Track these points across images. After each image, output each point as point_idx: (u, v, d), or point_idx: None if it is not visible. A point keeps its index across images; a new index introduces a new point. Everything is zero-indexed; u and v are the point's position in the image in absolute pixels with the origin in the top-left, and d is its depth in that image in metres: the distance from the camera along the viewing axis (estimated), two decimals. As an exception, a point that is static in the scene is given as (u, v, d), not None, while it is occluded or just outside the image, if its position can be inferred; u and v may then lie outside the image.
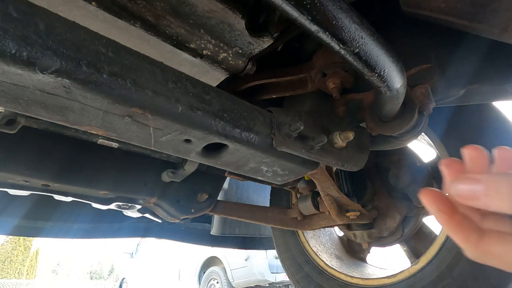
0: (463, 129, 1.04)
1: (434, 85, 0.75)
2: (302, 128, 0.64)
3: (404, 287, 1.11)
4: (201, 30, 0.53)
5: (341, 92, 0.82)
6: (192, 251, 6.54)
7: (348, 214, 1.18)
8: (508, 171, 0.34)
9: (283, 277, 5.33)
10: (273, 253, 5.33)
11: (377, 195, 1.34)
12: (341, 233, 1.61)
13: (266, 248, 2.18)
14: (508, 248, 0.31)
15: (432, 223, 1.33)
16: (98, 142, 0.94)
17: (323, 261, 1.40)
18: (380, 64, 0.56)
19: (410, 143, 0.88)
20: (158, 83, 0.50)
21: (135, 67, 0.48)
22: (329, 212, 1.18)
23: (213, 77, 0.65)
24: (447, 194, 0.35)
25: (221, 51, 0.56)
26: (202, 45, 0.54)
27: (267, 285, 5.63)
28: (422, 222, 1.32)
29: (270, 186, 1.69)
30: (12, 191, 0.95)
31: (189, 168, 1.03)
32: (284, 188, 1.47)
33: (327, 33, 0.47)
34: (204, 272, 6.39)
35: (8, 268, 18.81)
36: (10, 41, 0.36)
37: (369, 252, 1.51)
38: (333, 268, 1.36)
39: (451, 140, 1.05)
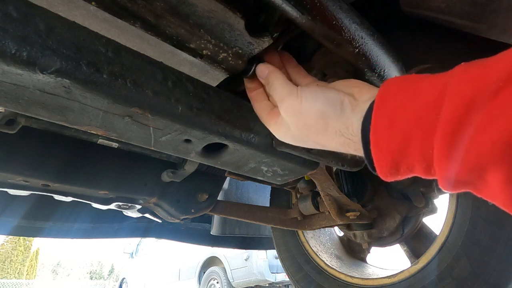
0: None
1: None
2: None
3: (404, 287, 1.11)
4: (201, 30, 0.53)
5: (341, 92, 0.82)
6: (192, 251, 6.54)
7: (348, 214, 1.17)
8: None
9: (283, 277, 5.33)
10: (273, 253, 5.34)
11: (377, 195, 1.34)
12: (341, 233, 1.61)
13: (266, 248, 2.18)
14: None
15: (432, 223, 1.33)
16: (98, 142, 0.94)
17: (323, 261, 1.40)
18: (380, 64, 0.56)
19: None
20: (158, 83, 0.50)
21: (135, 67, 0.48)
22: (329, 212, 1.18)
23: (213, 77, 0.65)
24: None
25: (221, 51, 0.56)
26: (202, 45, 0.54)
27: (267, 285, 5.63)
28: (422, 222, 1.32)
29: (270, 186, 1.69)
30: (12, 191, 0.95)
31: (189, 168, 1.03)
32: (284, 188, 1.47)
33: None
34: (204, 272, 6.39)
35: (8, 268, 18.81)
36: (10, 41, 0.36)
37: (369, 252, 1.51)
38: (333, 268, 1.36)
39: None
